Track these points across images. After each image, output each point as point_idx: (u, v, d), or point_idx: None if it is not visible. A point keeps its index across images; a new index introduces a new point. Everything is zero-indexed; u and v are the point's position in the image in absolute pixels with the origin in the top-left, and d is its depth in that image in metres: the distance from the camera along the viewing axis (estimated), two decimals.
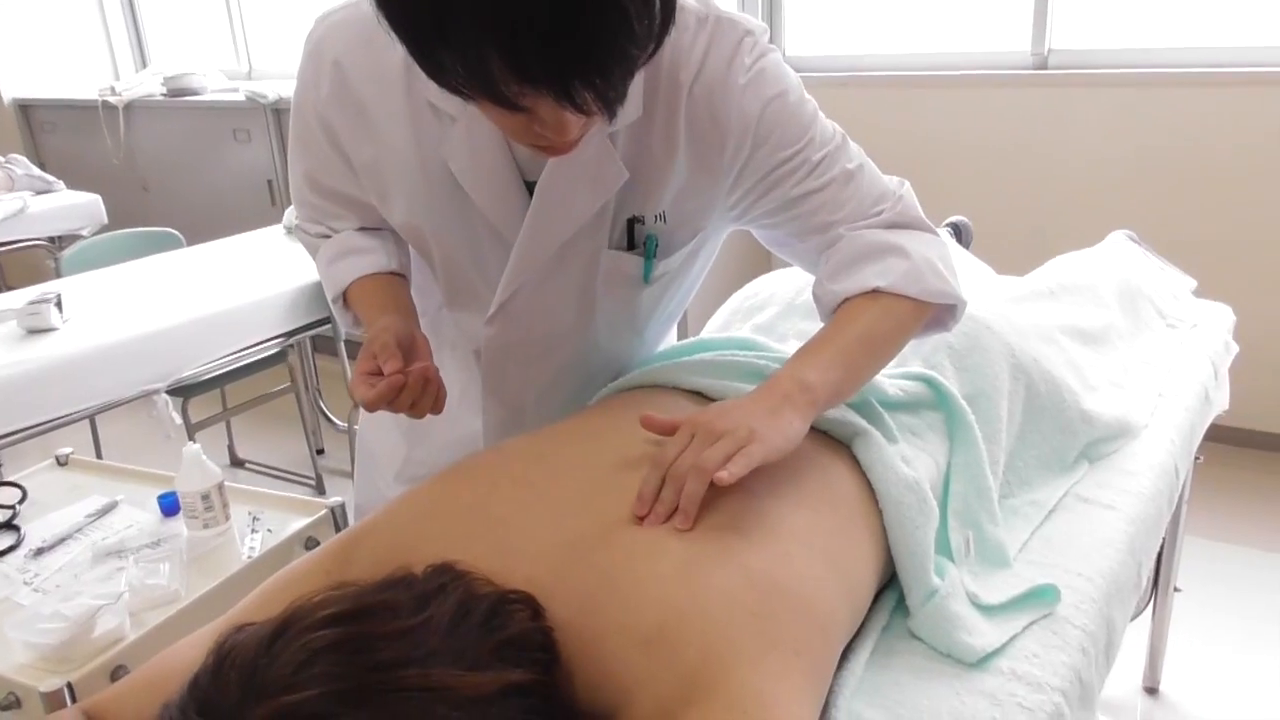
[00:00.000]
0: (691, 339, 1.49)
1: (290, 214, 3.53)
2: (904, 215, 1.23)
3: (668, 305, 1.42)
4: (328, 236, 1.38)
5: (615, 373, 1.46)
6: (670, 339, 1.62)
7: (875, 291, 1.18)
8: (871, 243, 1.20)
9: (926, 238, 1.24)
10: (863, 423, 1.19)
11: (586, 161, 1.15)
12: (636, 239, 1.25)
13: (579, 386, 1.44)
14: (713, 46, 1.13)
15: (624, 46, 0.87)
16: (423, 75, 0.97)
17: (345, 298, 1.35)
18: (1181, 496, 2.11)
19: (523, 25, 0.82)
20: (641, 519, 0.98)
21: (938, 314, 1.24)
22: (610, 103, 0.91)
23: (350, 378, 1.16)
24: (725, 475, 0.96)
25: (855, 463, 1.16)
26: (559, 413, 1.40)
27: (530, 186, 1.20)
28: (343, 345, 3.13)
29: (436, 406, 1.16)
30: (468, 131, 1.16)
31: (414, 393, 1.13)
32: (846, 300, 1.20)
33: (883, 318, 1.18)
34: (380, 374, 1.12)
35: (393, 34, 0.90)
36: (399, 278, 1.36)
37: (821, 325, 1.22)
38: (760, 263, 3.56)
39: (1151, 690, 2.46)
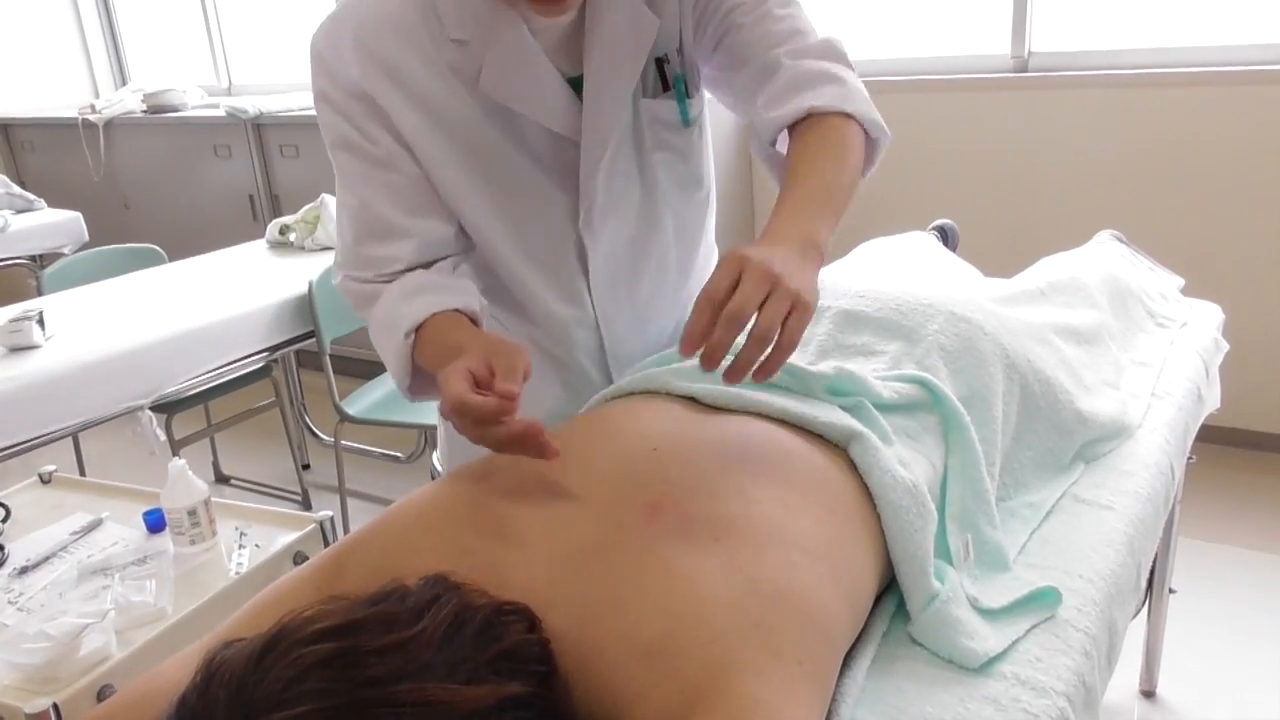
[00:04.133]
0: None
1: (274, 228, 3.52)
2: (839, 49, 1.36)
3: (706, 186, 1.50)
4: (387, 282, 1.30)
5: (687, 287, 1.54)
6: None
7: (810, 118, 1.26)
8: (808, 70, 1.30)
9: (857, 77, 1.35)
10: (858, 425, 1.17)
11: (622, 18, 1.27)
12: (668, 80, 1.36)
13: (666, 299, 1.51)
14: None
15: None
16: (439, 17, 1.19)
17: (418, 333, 1.25)
18: (1175, 497, 2.10)
19: None
20: (684, 355, 1.00)
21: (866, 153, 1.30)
22: None
23: (442, 375, 1.09)
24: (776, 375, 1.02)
25: (852, 466, 1.14)
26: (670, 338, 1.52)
27: (571, 82, 1.29)
28: (328, 360, 3.10)
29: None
30: (497, 53, 1.24)
31: (503, 438, 1.06)
32: (795, 140, 1.26)
33: (838, 153, 1.24)
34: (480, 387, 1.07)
35: None
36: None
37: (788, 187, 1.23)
38: None
39: (1148, 694, 2.45)
